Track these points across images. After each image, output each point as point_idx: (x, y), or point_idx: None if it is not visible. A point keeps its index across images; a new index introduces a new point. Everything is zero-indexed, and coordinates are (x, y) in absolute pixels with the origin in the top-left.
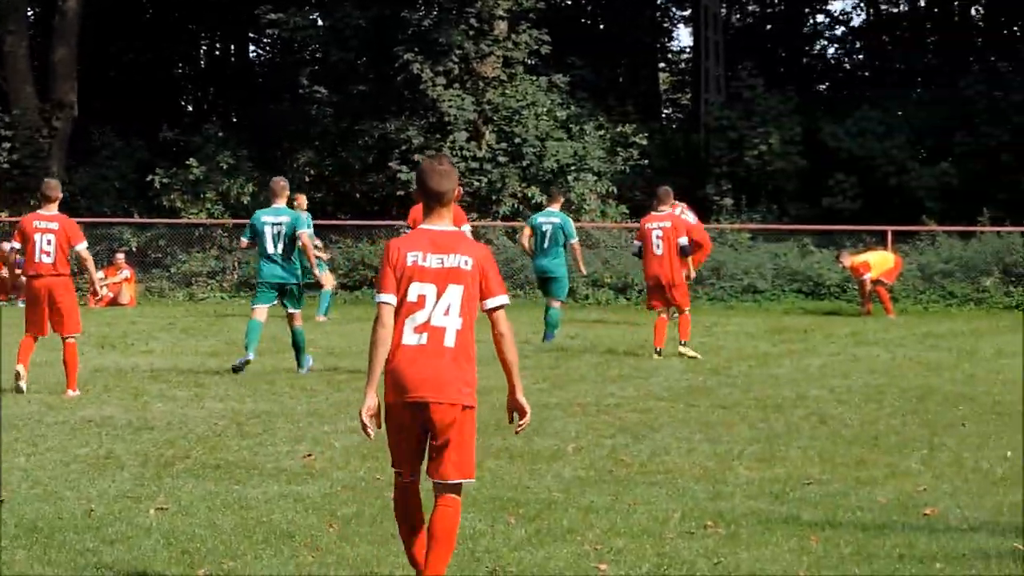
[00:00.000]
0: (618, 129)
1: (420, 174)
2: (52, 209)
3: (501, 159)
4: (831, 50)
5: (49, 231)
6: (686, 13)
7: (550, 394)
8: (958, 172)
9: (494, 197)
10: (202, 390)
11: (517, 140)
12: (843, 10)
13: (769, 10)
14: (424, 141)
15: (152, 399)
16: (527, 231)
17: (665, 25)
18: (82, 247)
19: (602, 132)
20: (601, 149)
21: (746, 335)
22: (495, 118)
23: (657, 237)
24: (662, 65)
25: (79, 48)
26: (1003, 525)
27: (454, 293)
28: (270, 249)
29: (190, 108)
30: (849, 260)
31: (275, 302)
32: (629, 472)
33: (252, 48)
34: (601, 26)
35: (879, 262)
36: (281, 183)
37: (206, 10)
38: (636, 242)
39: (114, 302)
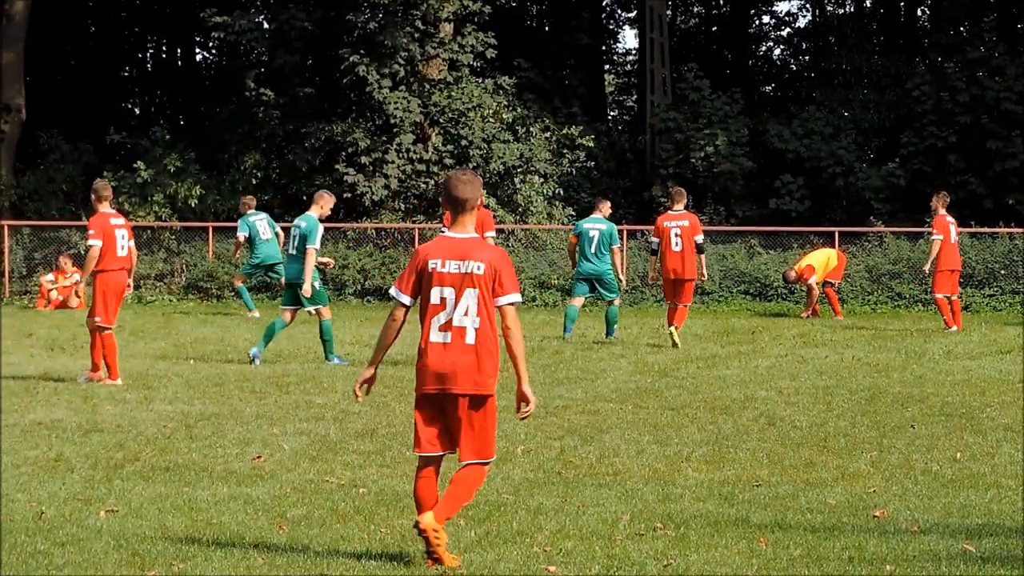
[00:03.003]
0: (564, 131)
1: (445, 183)
2: (107, 207)
3: (448, 161)
4: (777, 51)
5: (123, 227)
6: (631, 15)
7: (498, 396)
8: (905, 173)
9: (440, 199)
10: (151, 392)
11: (463, 142)
12: (788, 11)
13: (714, 12)
14: (371, 143)
15: (101, 402)
16: (573, 237)
17: (611, 27)
18: (133, 244)
19: (548, 134)
20: (547, 151)
21: (694, 336)
22: (441, 120)
23: (676, 235)
24: (608, 67)
25: (26, 52)
26: (953, 527)
27: (471, 296)
28: (291, 249)
29: (137, 111)
30: (793, 272)
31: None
32: (578, 474)
33: (198, 51)
34: (546, 28)
35: (821, 262)
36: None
37: (152, 13)
38: (653, 239)
39: (63, 305)
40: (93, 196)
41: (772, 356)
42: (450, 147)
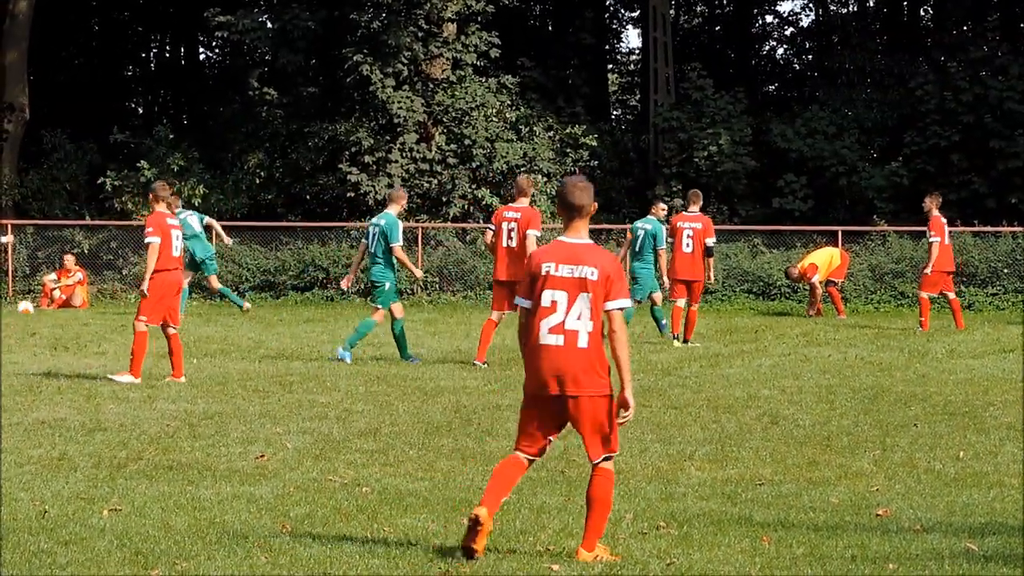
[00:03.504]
0: (568, 130)
1: (560, 189)
2: (164, 207)
3: (451, 161)
4: (780, 51)
5: (177, 228)
6: (635, 14)
7: (502, 395)
8: (908, 172)
9: (444, 199)
10: (155, 391)
11: (467, 141)
12: (792, 11)
13: (718, 11)
14: (374, 143)
15: (105, 401)
16: (628, 235)
17: (614, 26)
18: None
19: (551, 133)
20: (551, 150)
21: (697, 335)
22: (444, 120)
23: (688, 236)
24: (611, 67)
25: (30, 51)
26: (956, 526)
27: (584, 300)
28: (372, 249)
29: (141, 111)
30: (796, 269)
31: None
32: (581, 473)
33: (202, 50)
34: (550, 28)
35: (825, 261)
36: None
37: (155, 12)
38: (668, 239)
39: (67, 304)
40: (151, 196)
41: (775, 355)
42: (453, 146)
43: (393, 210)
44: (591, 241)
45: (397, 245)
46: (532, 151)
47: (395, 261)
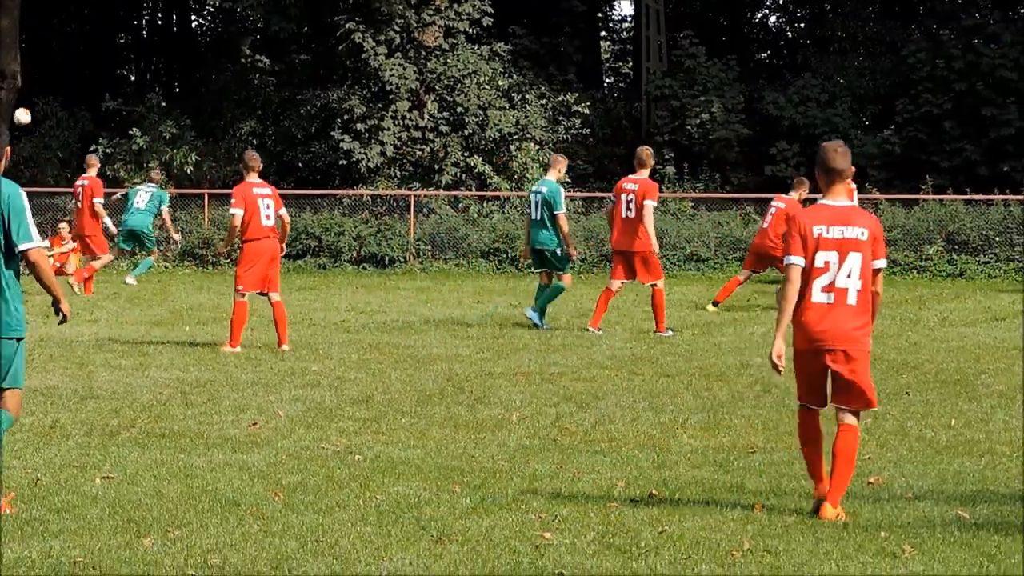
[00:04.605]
0: (560, 98)
1: (821, 154)
2: (254, 176)
3: (443, 128)
4: (772, 18)
5: (267, 197)
6: None
7: (494, 363)
8: (900, 140)
9: (436, 166)
10: (147, 359)
11: (459, 109)
12: None
13: None
14: (366, 110)
15: (97, 368)
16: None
17: None
18: (284, 212)
19: (544, 101)
20: (543, 118)
21: (689, 304)
22: (437, 87)
23: (771, 214)
24: (603, 34)
25: (22, 18)
26: (947, 493)
27: (854, 260)
28: (534, 216)
29: (133, 78)
30: None
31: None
32: (573, 441)
33: (194, 18)
34: None
35: None
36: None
37: None
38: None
39: (60, 272)
40: (241, 165)
41: (767, 323)
42: (446, 114)
43: (553, 176)
44: (853, 203)
45: (561, 213)
46: (524, 119)
47: (567, 227)
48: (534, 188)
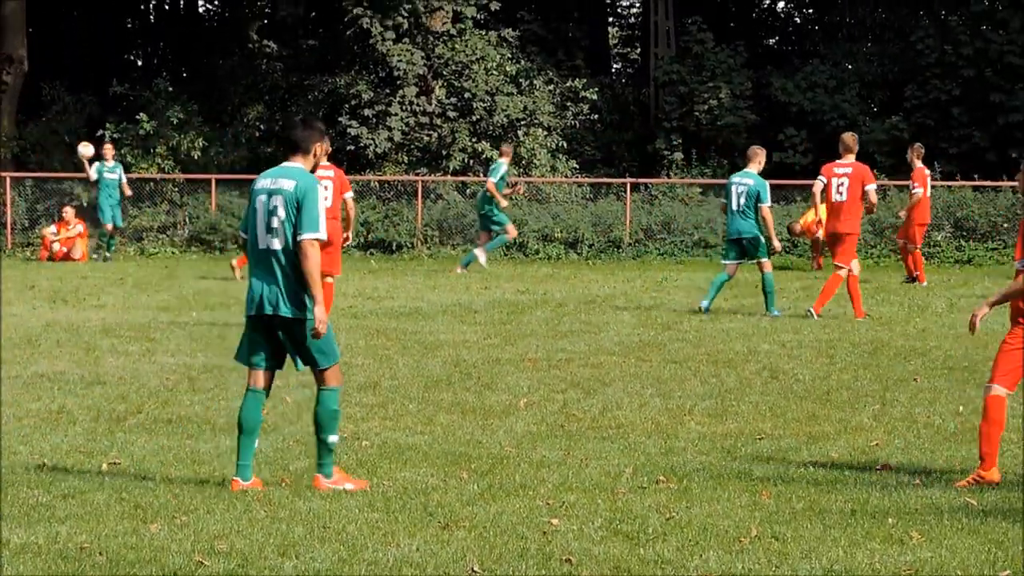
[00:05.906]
0: (568, 84)
1: None
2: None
3: (451, 114)
4: (781, 4)
5: (329, 178)
6: None
7: (501, 349)
8: (908, 126)
9: (444, 152)
10: (154, 344)
11: (467, 95)
12: None
13: None
14: (374, 96)
15: (104, 354)
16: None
17: None
18: (349, 195)
19: (552, 87)
20: (551, 104)
21: (697, 290)
22: (445, 73)
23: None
24: (611, 20)
25: (29, 2)
26: (955, 480)
27: None
28: (734, 206)
29: (140, 63)
30: (799, 225)
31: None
32: (581, 427)
33: (201, 2)
34: None
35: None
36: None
37: None
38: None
39: (67, 257)
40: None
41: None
42: (453, 100)
43: (754, 168)
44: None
45: (766, 206)
46: (532, 104)
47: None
48: (735, 179)
